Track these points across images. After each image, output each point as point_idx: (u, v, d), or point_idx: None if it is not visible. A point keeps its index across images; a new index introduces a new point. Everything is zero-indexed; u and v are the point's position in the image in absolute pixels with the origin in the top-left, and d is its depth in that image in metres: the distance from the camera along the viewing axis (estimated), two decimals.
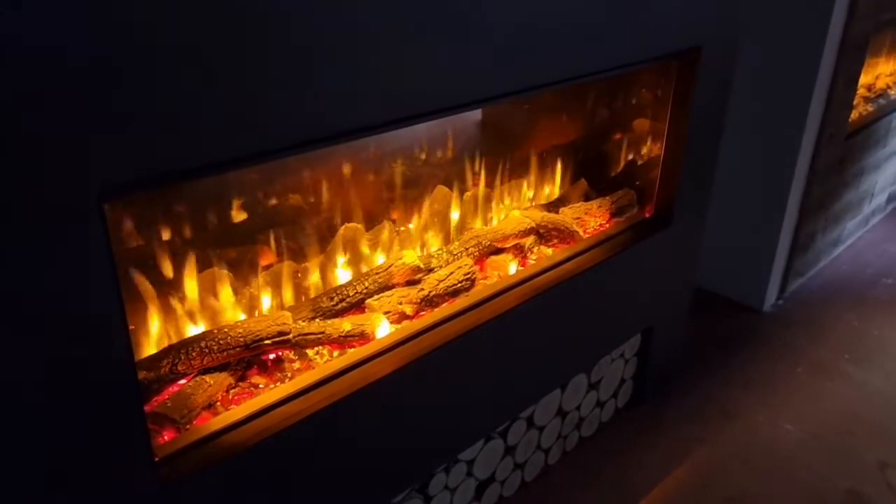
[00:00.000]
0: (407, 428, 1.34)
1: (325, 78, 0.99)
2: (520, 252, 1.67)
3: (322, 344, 1.30)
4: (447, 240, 1.63)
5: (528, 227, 1.66)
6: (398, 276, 1.47)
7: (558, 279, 1.57)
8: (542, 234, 1.72)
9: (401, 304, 1.40)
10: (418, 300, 1.43)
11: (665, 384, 2.13)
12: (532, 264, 1.61)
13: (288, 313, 1.29)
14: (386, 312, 1.38)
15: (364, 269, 1.47)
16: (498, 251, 1.63)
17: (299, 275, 1.40)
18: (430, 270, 1.50)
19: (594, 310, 1.72)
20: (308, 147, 1.02)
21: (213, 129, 0.89)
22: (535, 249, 1.71)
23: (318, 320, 1.34)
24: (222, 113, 0.89)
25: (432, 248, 1.59)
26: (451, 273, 1.49)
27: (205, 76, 0.86)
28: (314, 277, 1.42)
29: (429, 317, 1.40)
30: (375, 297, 1.41)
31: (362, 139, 1.10)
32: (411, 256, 1.49)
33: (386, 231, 1.51)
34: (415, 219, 1.60)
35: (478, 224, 1.70)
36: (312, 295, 1.40)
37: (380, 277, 1.44)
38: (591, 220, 1.78)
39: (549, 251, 1.69)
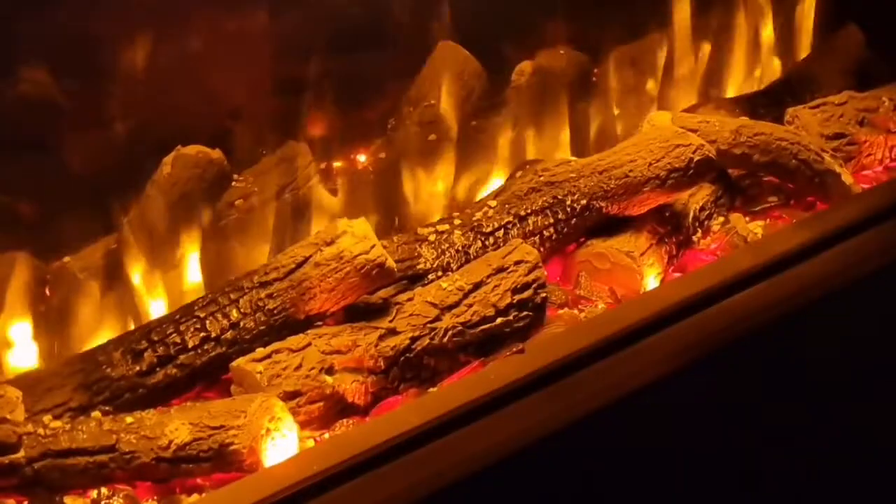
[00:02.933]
0: None
1: None
2: (673, 232, 0.89)
3: None
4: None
5: (700, 156, 0.85)
6: None
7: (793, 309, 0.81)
8: (743, 178, 0.95)
9: None
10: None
11: None
12: (713, 265, 0.88)
13: None
14: None
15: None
16: (612, 228, 0.90)
17: None
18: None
19: None
20: None
21: None
22: (719, 221, 0.91)
23: None
24: None
25: None
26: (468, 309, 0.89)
27: None
28: None
29: None
30: None
31: None
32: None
33: None
34: None
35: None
36: None
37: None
38: (877, 140, 1.06)
39: (759, 229, 0.90)
